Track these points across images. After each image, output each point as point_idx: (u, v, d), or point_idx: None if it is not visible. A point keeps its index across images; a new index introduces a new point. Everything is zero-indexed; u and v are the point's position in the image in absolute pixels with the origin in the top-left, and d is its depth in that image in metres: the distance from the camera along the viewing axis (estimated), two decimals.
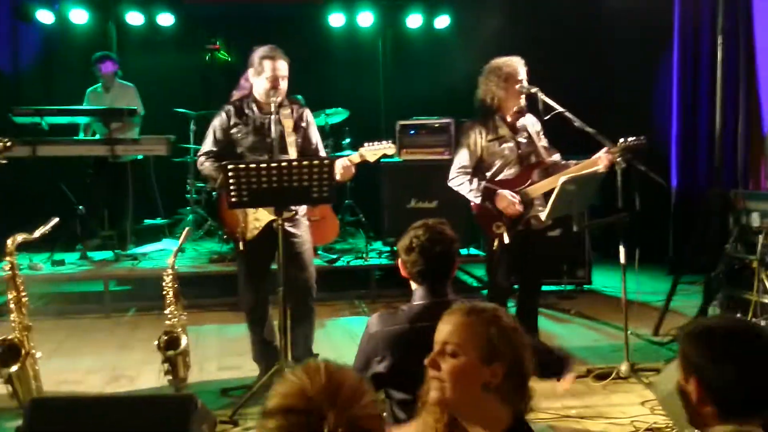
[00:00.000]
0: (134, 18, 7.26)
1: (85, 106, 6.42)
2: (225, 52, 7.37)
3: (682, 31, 6.79)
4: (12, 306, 2.97)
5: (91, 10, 7.23)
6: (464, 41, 7.73)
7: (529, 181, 3.94)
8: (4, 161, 3.40)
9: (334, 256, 6.07)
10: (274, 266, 3.91)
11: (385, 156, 4.26)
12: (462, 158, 4.05)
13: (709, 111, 6.06)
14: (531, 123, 4.09)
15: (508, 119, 4.02)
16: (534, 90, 3.90)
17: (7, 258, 2.97)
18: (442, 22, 7.74)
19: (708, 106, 6.28)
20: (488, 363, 1.57)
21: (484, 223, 4.01)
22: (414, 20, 7.70)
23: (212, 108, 7.01)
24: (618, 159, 3.79)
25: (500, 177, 4.00)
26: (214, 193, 5.96)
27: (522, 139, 4.01)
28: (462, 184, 4.03)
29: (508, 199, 3.85)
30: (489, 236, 4.00)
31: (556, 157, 4.10)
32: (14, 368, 2.91)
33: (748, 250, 4.43)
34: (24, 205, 6.85)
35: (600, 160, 3.82)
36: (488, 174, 4.02)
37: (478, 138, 3.99)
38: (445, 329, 1.64)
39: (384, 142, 3.95)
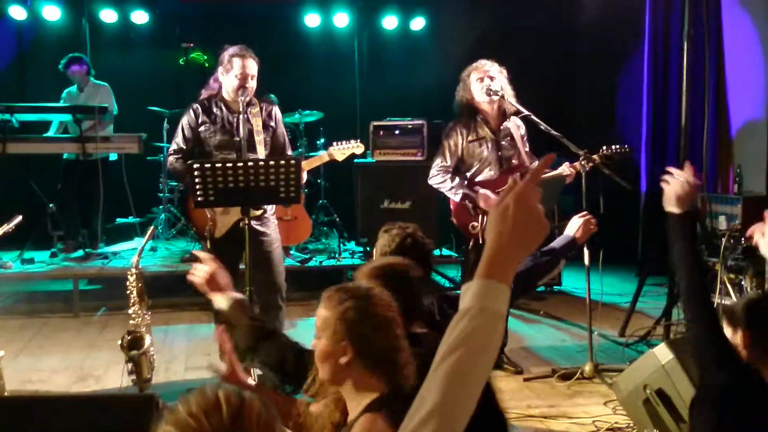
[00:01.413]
0: (108, 15, 7.22)
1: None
2: (200, 51, 7.34)
3: (652, 35, 6.90)
4: None
5: (64, 7, 7.18)
6: (439, 43, 7.78)
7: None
8: None
9: (307, 256, 6.08)
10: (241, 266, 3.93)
11: (354, 156, 4.31)
12: (443, 157, 4.09)
13: (678, 115, 6.15)
14: (515, 127, 4.12)
15: (491, 121, 4.05)
16: (500, 92, 3.94)
17: None
18: (418, 24, 7.79)
19: (676, 111, 6.38)
20: (339, 341, 1.65)
21: (461, 222, 4.07)
22: (390, 21, 7.73)
23: (184, 107, 7.02)
24: (583, 162, 3.85)
25: (480, 178, 4.05)
26: (185, 191, 5.96)
27: (504, 142, 4.06)
28: (443, 182, 4.07)
29: (490, 199, 3.90)
30: (465, 236, 4.06)
31: (536, 164, 4.14)
32: None
33: (713, 252, 4.51)
34: None
35: (566, 173, 3.90)
36: (468, 174, 4.06)
37: (459, 138, 4.04)
38: (317, 314, 1.74)
39: (352, 141, 3.97)
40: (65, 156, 6.27)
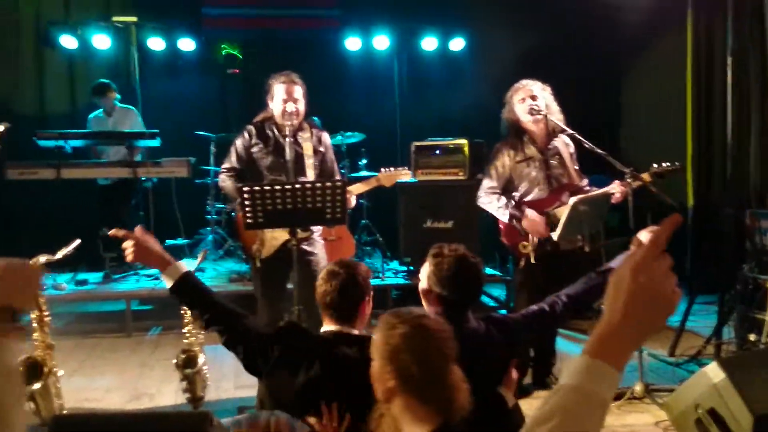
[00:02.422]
0: (156, 44, 7.43)
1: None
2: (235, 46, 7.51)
3: (695, 51, 6.82)
4: (35, 325, 3.06)
5: (114, 36, 7.41)
6: (479, 63, 7.83)
7: (558, 203, 3.95)
8: None
9: None
10: (289, 285, 4.00)
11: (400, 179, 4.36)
12: (490, 178, 4.08)
13: (723, 131, 6.07)
14: (563, 145, 4.09)
15: (538, 141, 4.04)
16: (543, 111, 3.94)
17: None
18: (457, 44, 7.85)
19: (722, 127, 6.28)
20: (385, 366, 1.68)
21: (511, 242, 4.06)
22: (429, 43, 7.80)
23: (231, 131, 7.20)
24: (629, 180, 3.82)
25: (529, 198, 4.03)
26: (233, 213, 6.09)
27: (552, 161, 4.03)
28: (490, 203, 4.06)
29: (534, 221, 3.89)
30: (515, 256, 4.05)
31: (585, 182, 4.12)
32: (37, 386, 2.98)
33: (762, 270, 4.42)
34: (48, 226, 7.04)
35: (614, 191, 3.85)
36: (517, 195, 4.05)
37: (506, 159, 4.02)
38: None
39: (400, 168, 4.04)
40: (99, 182, 6.48)
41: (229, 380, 4.42)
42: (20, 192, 6.23)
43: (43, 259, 3.08)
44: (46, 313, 3.09)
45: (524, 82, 4.05)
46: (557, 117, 3.99)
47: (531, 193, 4.04)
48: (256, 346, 2.30)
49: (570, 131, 3.96)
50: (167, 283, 2.32)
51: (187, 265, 6.56)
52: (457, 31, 7.81)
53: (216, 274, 6.54)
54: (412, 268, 6.04)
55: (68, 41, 7.34)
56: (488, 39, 7.71)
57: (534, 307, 2.51)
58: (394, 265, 6.54)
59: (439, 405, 1.64)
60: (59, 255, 3.17)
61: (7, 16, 7.53)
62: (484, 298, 6.57)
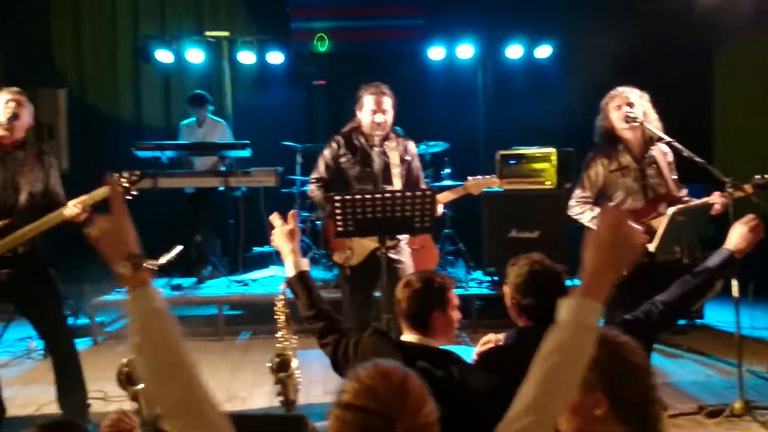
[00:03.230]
0: (246, 57, 7.66)
1: (180, 140, 6.89)
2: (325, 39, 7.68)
3: None
4: None
5: (207, 51, 7.71)
6: (566, 70, 7.70)
7: (655, 213, 3.83)
8: (135, 193, 3.69)
9: None
10: (377, 293, 4.05)
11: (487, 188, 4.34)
12: (582, 188, 3.99)
13: None
14: (661, 153, 3.94)
15: (634, 149, 3.92)
16: (639, 119, 3.83)
17: None
18: (544, 51, 7.74)
19: None
20: (591, 392, 1.53)
21: None
22: (514, 51, 7.73)
23: (317, 141, 7.36)
24: (730, 190, 3.66)
25: (624, 208, 3.91)
26: (318, 221, 6.22)
27: (649, 170, 3.88)
28: (582, 213, 3.95)
29: (637, 228, 3.79)
30: None
31: (684, 192, 3.98)
32: (140, 386, 3.12)
33: None
34: (144, 232, 7.35)
35: (714, 201, 3.70)
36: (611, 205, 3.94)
37: (600, 168, 3.91)
38: None
39: (488, 176, 4.03)
40: (186, 190, 6.74)
41: (318, 385, 4.50)
42: None
43: (147, 264, 3.23)
44: None
45: (620, 89, 3.95)
46: (655, 125, 3.86)
47: (626, 204, 3.91)
48: (343, 350, 2.36)
49: (668, 139, 3.83)
50: (288, 272, 2.46)
51: (272, 270, 6.72)
52: (543, 38, 7.69)
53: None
54: (496, 278, 5.99)
55: (164, 55, 7.67)
56: (576, 46, 7.57)
57: (628, 317, 2.42)
58: (478, 275, 6.50)
59: (643, 428, 1.56)
60: (163, 260, 3.32)
61: (106, 31, 7.96)
62: None
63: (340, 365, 2.39)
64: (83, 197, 3.56)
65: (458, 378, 2.15)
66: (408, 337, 2.36)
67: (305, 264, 2.47)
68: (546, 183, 5.90)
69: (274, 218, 2.49)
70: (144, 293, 1.48)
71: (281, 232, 2.45)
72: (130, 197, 3.65)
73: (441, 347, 2.32)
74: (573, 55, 7.65)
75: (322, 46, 7.77)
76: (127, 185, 3.62)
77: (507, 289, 2.44)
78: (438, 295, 2.37)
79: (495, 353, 2.43)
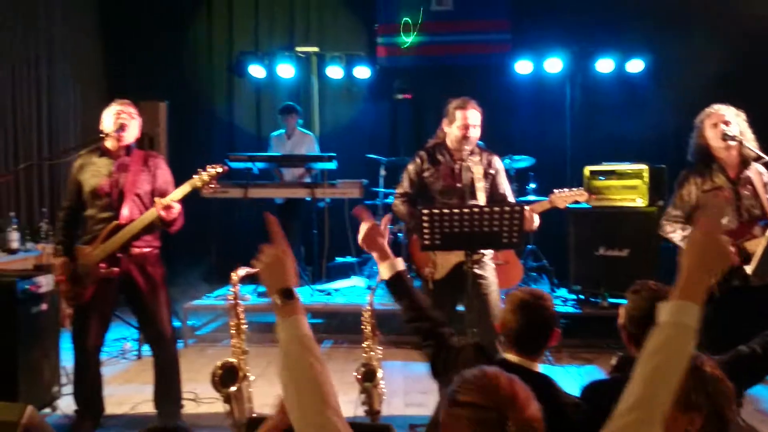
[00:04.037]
0: (334, 72, 7.84)
1: (270, 150, 7.10)
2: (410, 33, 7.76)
3: None
4: (233, 331, 3.33)
5: (297, 66, 7.94)
6: (659, 86, 7.49)
7: (749, 235, 3.69)
8: (213, 186, 3.83)
9: None
10: (459, 307, 4.06)
11: (575, 202, 4.28)
12: (674, 206, 3.91)
13: None
14: (757, 174, 3.81)
15: (728, 169, 3.80)
16: (737, 137, 3.70)
17: (232, 288, 3.35)
18: (636, 66, 7.53)
19: None
20: (685, 411, 1.62)
21: None
22: (604, 65, 7.57)
23: (400, 154, 7.44)
24: None
25: None
26: (399, 234, 6.27)
27: (744, 191, 3.76)
28: (673, 232, 3.86)
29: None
30: None
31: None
32: (233, 389, 3.24)
33: None
34: (234, 241, 7.65)
35: None
36: None
37: (693, 187, 3.82)
38: None
39: (575, 189, 3.97)
40: (276, 201, 6.93)
41: (399, 397, 4.53)
42: (212, 208, 6.81)
43: (242, 271, 3.35)
44: (243, 321, 3.36)
45: (717, 106, 3.83)
46: (752, 144, 3.73)
47: None
48: (444, 355, 2.36)
49: (766, 159, 3.68)
50: (384, 274, 2.47)
51: (354, 281, 6.84)
52: (635, 52, 7.49)
53: (383, 292, 6.69)
54: (582, 296, 5.87)
55: (256, 70, 7.95)
56: (670, 61, 7.36)
57: (744, 348, 2.32)
58: (563, 292, 6.39)
59: None
60: (255, 269, 3.44)
61: (203, 47, 8.33)
62: None
63: (439, 370, 2.39)
64: (171, 193, 3.75)
65: (556, 406, 2.12)
66: (510, 357, 2.32)
67: (401, 264, 2.46)
68: (637, 200, 5.75)
69: (362, 212, 2.49)
70: (293, 321, 1.64)
71: (369, 233, 2.45)
72: (210, 189, 3.82)
73: (540, 371, 2.29)
74: (666, 71, 7.43)
75: (407, 37, 7.84)
76: (206, 178, 3.77)
77: (623, 312, 2.40)
78: (551, 321, 2.33)
79: (599, 386, 2.36)
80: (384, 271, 2.46)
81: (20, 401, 3.68)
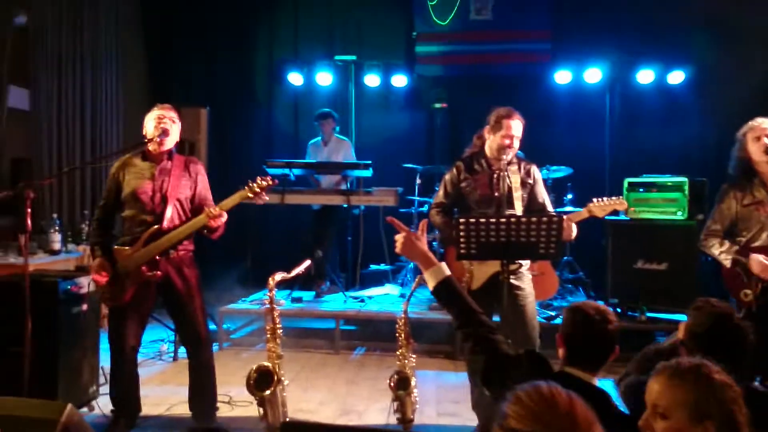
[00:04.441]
0: (372, 80, 7.88)
1: (307, 158, 7.13)
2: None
3: None
4: (269, 336, 3.37)
5: (335, 74, 8.01)
6: (701, 97, 7.37)
7: None
8: (266, 198, 3.87)
9: (553, 313, 6.00)
10: (495, 318, 4.02)
11: (613, 212, 4.22)
12: (714, 220, 3.86)
13: None
14: None
15: None
16: None
17: (268, 293, 3.38)
18: (677, 77, 7.42)
19: None
20: (698, 421, 1.58)
21: (733, 289, 3.79)
22: (645, 76, 7.47)
23: (436, 163, 7.43)
24: None
25: (757, 243, 3.74)
26: (434, 243, 6.25)
27: None
28: (712, 246, 3.84)
29: (763, 264, 3.61)
30: (738, 305, 3.77)
31: None
32: (267, 392, 3.27)
33: None
34: (269, 246, 7.72)
35: None
36: (743, 239, 3.79)
37: (733, 202, 3.79)
38: (654, 390, 1.67)
39: (614, 197, 3.92)
40: (313, 207, 6.96)
41: (432, 406, 4.51)
42: (249, 213, 6.88)
43: (279, 276, 3.39)
44: (279, 326, 3.39)
45: (760, 120, 3.77)
46: None
47: (759, 239, 3.73)
48: (497, 363, 2.28)
49: None
50: (429, 283, 2.39)
51: (387, 288, 6.85)
52: (676, 63, 7.38)
53: (416, 300, 6.70)
54: (619, 309, 5.78)
55: (295, 78, 8.04)
56: (711, 72, 7.23)
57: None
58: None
59: None
60: (293, 273, 3.47)
61: (244, 54, 8.44)
62: None
63: (492, 380, 2.33)
64: (221, 203, 3.79)
65: (611, 421, 2.08)
66: (570, 369, 2.27)
67: (446, 269, 2.39)
68: (677, 213, 5.65)
69: (395, 222, 2.48)
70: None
71: (407, 242, 2.42)
72: (262, 201, 3.85)
73: (598, 386, 2.24)
74: (708, 82, 7.31)
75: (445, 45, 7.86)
76: (258, 190, 3.80)
77: (683, 327, 2.38)
78: (614, 337, 2.29)
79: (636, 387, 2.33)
80: (430, 279, 2.38)
81: (60, 400, 3.76)
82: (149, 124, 3.86)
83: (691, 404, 1.60)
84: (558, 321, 5.86)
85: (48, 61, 7.22)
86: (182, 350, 4.56)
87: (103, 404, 4.19)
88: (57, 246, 5.90)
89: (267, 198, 3.87)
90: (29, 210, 3.47)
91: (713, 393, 1.60)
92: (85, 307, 4.21)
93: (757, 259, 3.65)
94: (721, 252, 3.78)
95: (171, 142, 3.90)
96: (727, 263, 3.77)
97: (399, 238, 2.45)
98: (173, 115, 3.91)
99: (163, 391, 4.73)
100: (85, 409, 4.19)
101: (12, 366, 3.65)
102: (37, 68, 7.18)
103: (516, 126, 3.88)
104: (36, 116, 7.29)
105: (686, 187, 5.62)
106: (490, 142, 3.96)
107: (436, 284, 2.36)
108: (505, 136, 3.87)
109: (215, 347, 5.81)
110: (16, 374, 3.52)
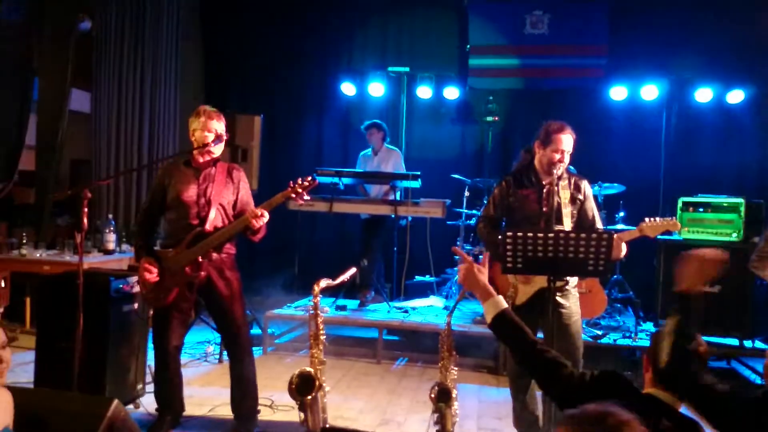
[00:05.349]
0: (424, 92, 7.90)
1: (357, 168, 7.16)
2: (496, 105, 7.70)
3: None
4: (312, 341, 3.39)
5: (388, 85, 8.06)
6: (759, 118, 7.17)
7: None
8: (307, 198, 3.90)
9: (600, 332, 5.89)
10: (539, 335, 3.96)
11: (666, 232, 4.12)
12: (766, 242, 3.76)
13: None
14: None
15: None
16: None
17: (313, 299, 3.41)
18: (736, 96, 7.23)
19: None
20: None
21: None
22: (703, 94, 7.30)
23: (485, 176, 7.39)
24: None
25: None
26: (480, 256, 6.21)
27: None
28: (760, 267, 3.74)
29: None
30: None
31: None
32: (308, 397, 3.28)
33: None
34: (318, 253, 7.78)
35: None
36: None
37: None
38: None
39: (667, 218, 3.83)
40: (362, 216, 6.99)
41: (473, 420, 4.47)
42: (297, 221, 6.96)
43: (323, 283, 3.41)
44: (322, 332, 3.40)
45: None
46: None
47: None
48: (573, 396, 2.14)
49: None
50: (487, 316, 2.38)
51: (432, 300, 6.83)
52: (736, 82, 7.20)
53: (460, 314, 6.65)
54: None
55: (348, 88, 8.12)
56: None
57: None
58: (649, 326, 6.15)
59: None
60: (338, 280, 3.48)
61: (298, 64, 8.56)
62: (751, 375, 5.89)
63: (569, 404, 2.26)
64: (263, 204, 3.84)
65: None
66: (656, 392, 2.17)
67: (503, 302, 2.38)
68: (732, 235, 5.49)
69: (460, 252, 2.54)
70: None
71: (469, 273, 2.43)
72: (302, 201, 3.89)
73: (685, 414, 2.13)
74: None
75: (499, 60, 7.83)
76: (299, 190, 3.83)
77: None
78: (704, 362, 2.22)
79: None
80: (487, 312, 2.37)
81: (106, 396, 3.85)
82: (198, 133, 3.91)
83: None
84: (605, 340, 5.74)
85: (110, 66, 7.47)
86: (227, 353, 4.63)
87: (149, 402, 4.28)
88: (111, 246, 6.07)
89: (308, 197, 3.90)
90: (86, 210, 3.58)
91: None
92: (135, 305, 4.31)
93: None
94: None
95: (218, 150, 3.97)
96: None
97: (461, 268, 2.47)
98: (221, 124, 3.96)
99: (208, 392, 4.81)
100: (130, 407, 4.28)
101: (63, 361, 3.76)
102: (99, 73, 7.43)
103: (567, 140, 3.82)
104: (96, 119, 7.54)
105: (742, 209, 5.47)
106: (540, 156, 3.91)
107: (494, 317, 2.35)
108: (555, 150, 3.80)
109: (259, 351, 5.88)
110: (66, 369, 3.62)
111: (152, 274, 3.80)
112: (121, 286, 4.18)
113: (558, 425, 1.42)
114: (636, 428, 1.35)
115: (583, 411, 1.42)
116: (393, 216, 6.62)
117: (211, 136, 3.88)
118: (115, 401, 2.80)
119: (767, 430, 1.99)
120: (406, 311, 6.50)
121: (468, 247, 7.19)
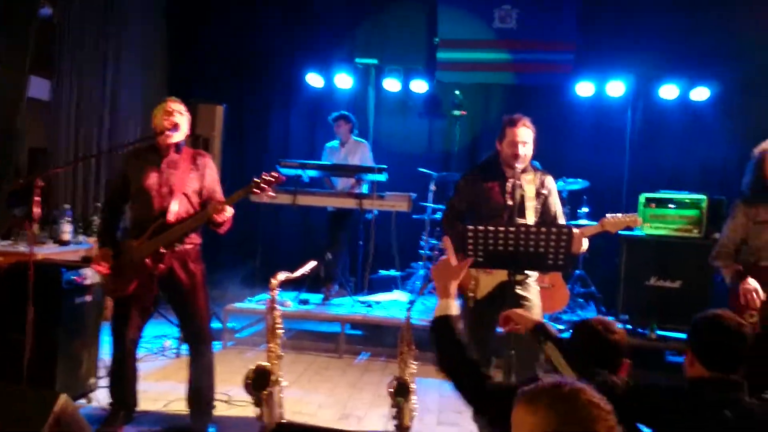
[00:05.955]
0: (392, 85, 7.86)
1: (323, 160, 7.09)
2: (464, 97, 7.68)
3: None
4: (269, 335, 3.32)
5: (356, 77, 7.99)
6: (724, 116, 7.25)
7: None
8: (273, 194, 3.82)
9: (562, 327, 5.91)
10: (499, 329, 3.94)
11: (627, 228, 4.14)
12: (724, 237, 3.81)
13: None
14: None
15: None
16: None
17: (271, 293, 3.34)
18: (701, 94, 7.31)
19: None
20: None
21: (736, 309, 3.69)
22: (669, 91, 7.37)
23: (452, 170, 7.37)
24: None
25: (765, 263, 3.68)
26: (441, 251, 6.19)
27: None
28: (716, 262, 3.79)
29: (750, 287, 3.53)
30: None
31: None
32: (264, 392, 3.22)
33: None
34: (280, 247, 7.69)
35: None
36: (752, 258, 3.71)
37: (743, 219, 3.74)
38: (514, 421, 1.50)
39: (629, 213, 3.84)
40: (328, 209, 6.92)
41: (433, 415, 4.44)
42: (260, 213, 6.86)
43: (282, 276, 3.34)
44: (279, 326, 3.33)
45: None
46: None
47: (767, 259, 3.66)
48: (486, 398, 2.26)
49: None
50: (436, 312, 2.41)
51: (396, 295, 6.77)
52: (701, 80, 7.27)
53: (424, 308, 6.62)
54: (630, 326, 5.67)
55: (315, 80, 8.03)
56: (736, 90, 7.12)
57: None
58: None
59: None
60: (297, 273, 3.42)
61: (264, 54, 8.44)
62: None
63: (484, 412, 2.34)
64: (227, 198, 3.76)
65: None
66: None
67: (455, 309, 2.39)
68: (693, 231, 5.55)
69: (448, 245, 2.55)
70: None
71: (443, 269, 2.46)
72: (268, 197, 3.81)
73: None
74: (732, 100, 7.19)
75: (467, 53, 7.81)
76: (263, 186, 3.74)
77: None
78: (621, 345, 2.36)
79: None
80: (437, 309, 2.40)
81: (57, 389, 3.73)
82: (158, 118, 3.83)
83: (549, 430, 1.42)
84: (566, 335, 5.75)
85: (71, 53, 7.26)
86: (186, 347, 4.53)
87: (102, 397, 4.17)
88: (67, 236, 5.90)
89: (274, 194, 3.82)
90: (37, 199, 3.47)
91: (573, 414, 1.42)
92: (88, 298, 4.19)
93: (746, 281, 3.58)
94: (723, 269, 3.75)
95: (180, 135, 3.87)
96: (727, 280, 3.73)
97: (443, 258, 2.53)
98: (182, 108, 3.88)
99: (163, 386, 4.70)
100: (83, 401, 4.17)
101: (12, 353, 3.65)
102: (60, 60, 7.23)
103: (522, 133, 3.79)
104: (56, 107, 7.33)
105: (704, 205, 5.53)
106: (501, 150, 3.89)
107: (441, 316, 2.37)
108: (511, 143, 3.78)
109: (219, 345, 5.78)
110: (16, 361, 3.51)
111: (103, 268, 3.70)
112: (73, 277, 4.06)
113: (516, 403, 1.45)
114: (590, 393, 1.41)
115: (536, 386, 1.47)
116: (358, 209, 6.56)
117: (169, 124, 3.79)
118: (63, 396, 2.71)
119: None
120: (370, 305, 6.44)
121: (433, 242, 7.17)
